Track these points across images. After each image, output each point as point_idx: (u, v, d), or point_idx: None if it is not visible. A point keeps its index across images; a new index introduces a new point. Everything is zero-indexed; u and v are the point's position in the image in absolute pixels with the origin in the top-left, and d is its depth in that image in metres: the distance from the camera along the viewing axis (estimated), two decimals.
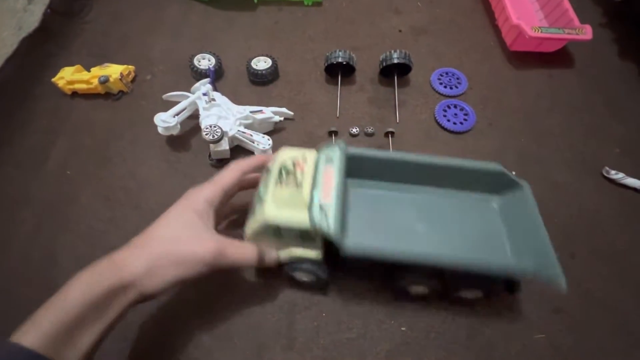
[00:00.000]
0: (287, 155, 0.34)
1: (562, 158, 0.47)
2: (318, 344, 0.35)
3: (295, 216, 0.30)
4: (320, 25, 0.62)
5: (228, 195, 0.34)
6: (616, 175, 0.44)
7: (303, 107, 0.52)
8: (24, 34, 0.55)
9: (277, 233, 0.32)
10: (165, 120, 0.44)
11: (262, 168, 0.36)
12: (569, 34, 0.52)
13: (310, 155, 0.34)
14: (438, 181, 0.37)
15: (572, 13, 0.55)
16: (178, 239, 0.29)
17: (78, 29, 0.60)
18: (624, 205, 0.43)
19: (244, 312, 0.37)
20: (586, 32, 0.52)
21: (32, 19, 0.57)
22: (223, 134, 0.42)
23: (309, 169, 0.33)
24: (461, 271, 0.31)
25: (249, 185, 0.37)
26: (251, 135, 0.44)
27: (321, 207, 0.30)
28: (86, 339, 0.25)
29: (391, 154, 0.38)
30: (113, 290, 0.26)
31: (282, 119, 0.48)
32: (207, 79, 0.49)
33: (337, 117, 0.51)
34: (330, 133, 0.48)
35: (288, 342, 0.35)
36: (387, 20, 0.63)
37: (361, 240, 0.31)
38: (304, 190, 0.31)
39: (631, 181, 0.44)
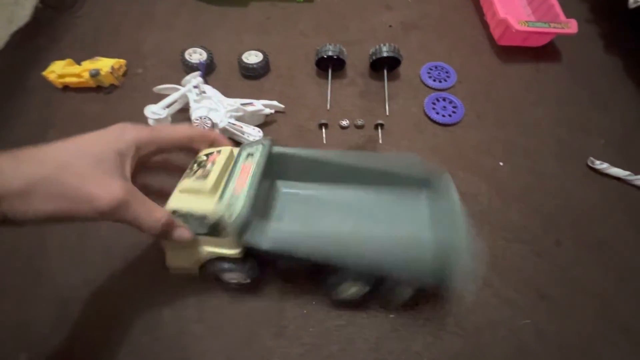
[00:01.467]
0: (206, 150, 0.34)
1: (548, 149, 0.48)
2: (307, 332, 0.36)
3: (198, 205, 0.29)
4: (311, 21, 0.63)
5: (160, 149, 0.30)
6: (601, 165, 0.45)
7: (294, 101, 0.52)
8: (14, 27, 0.55)
9: (187, 222, 0.30)
10: (156, 112, 0.44)
11: (212, 143, 0.34)
12: (554, 27, 0.53)
13: (225, 149, 0.33)
14: (367, 179, 0.35)
15: (558, 8, 0.56)
16: (78, 170, 0.24)
17: (69, 22, 0.60)
18: (609, 194, 0.44)
19: (235, 300, 0.37)
20: (571, 26, 0.53)
21: (24, 13, 0.57)
22: (213, 125, 0.42)
23: (220, 160, 0.31)
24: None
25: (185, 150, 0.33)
26: (241, 127, 0.45)
27: (230, 199, 0.29)
28: None
29: (315, 152, 0.34)
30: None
31: (272, 111, 0.49)
32: (198, 72, 0.49)
33: (328, 110, 0.51)
34: (321, 125, 0.49)
35: (278, 329, 0.36)
36: (378, 15, 0.64)
37: (276, 237, 0.29)
38: (209, 180, 0.30)
39: (615, 171, 0.45)
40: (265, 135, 0.47)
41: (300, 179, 0.36)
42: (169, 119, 0.46)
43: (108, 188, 0.24)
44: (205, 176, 0.30)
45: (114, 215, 0.24)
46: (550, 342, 0.35)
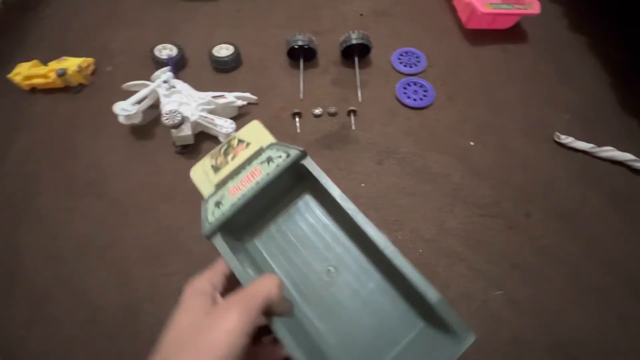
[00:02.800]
0: (246, 133, 0.32)
1: (517, 126, 0.49)
2: None
3: (203, 187, 0.30)
4: (283, 12, 0.63)
5: (231, 282, 0.29)
6: (566, 139, 0.46)
7: (267, 92, 0.52)
8: None
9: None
10: (125, 109, 0.44)
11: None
12: (518, 9, 0.54)
13: (254, 145, 0.31)
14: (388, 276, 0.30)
15: None
16: (202, 331, 0.23)
17: (35, 23, 0.59)
18: (574, 166, 0.45)
19: None
20: (535, 7, 0.55)
21: None
22: (183, 119, 0.42)
23: (242, 156, 0.30)
24: None
25: None
26: (213, 119, 0.45)
27: (221, 198, 0.29)
28: None
29: (339, 199, 0.29)
30: None
31: (245, 103, 0.49)
32: (167, 67, 0.49)
33: (301, 100, 0.52)
34: (294, 115, 0.49)
35: None
36: (348, 4, 0.64)
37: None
38: (218, 175, 0.30)
39: (580, 144, 0.46)
40: (237, 127, 0.47)
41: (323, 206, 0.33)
42: (140, 115, 0.46)
43: (225, 319, 0.23)
44: (219, 168, 0.30)
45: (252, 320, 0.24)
46: (522, 309, 0.36)
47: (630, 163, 0.44)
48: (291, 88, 0.53)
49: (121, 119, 0.45)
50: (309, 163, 0.29)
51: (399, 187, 0.44)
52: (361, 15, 0.62)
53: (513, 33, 0.59)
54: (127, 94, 0.47)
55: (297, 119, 0.49)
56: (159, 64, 0.52)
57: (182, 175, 0.45)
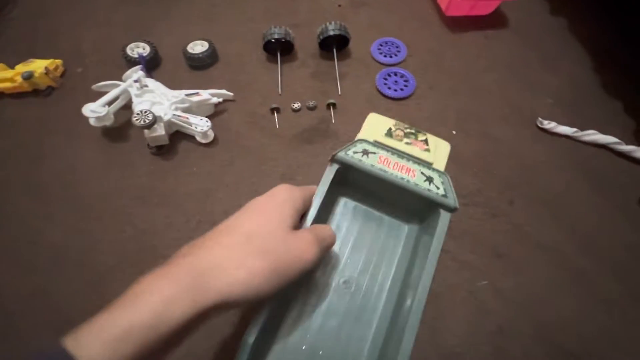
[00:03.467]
0: (434, 141, 0.34)
1: (500, 113, 0.48)
2: None
3: (365, 129, 0.34)
4: (259, 6, 0.61)
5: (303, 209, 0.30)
6: (549, 124, 0.46)
7: (245, 88, 0.51)
8: None
9: None
10: (95, 110, 0.42)
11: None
12: None
13: (433, 158, 0.33)
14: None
15: None
16: (280, 238, 0.24)
17: (1, 25, 0.56)
18: (557, 151, 0.45)
19: None
20: None
21: None
22: (155, 118, 0.41)
23: (412, 150, 0.32)
24: None
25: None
26: (187, 118, 0.43)
27: (366, 151, 0.31)
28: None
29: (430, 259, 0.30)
30: (208, 309, 0.21)
31: (221, 100, 0.48)
32: (139, 66, 0.47)
33: (280, 95, 0.50)
34: (272, 110, 0.48)
35: None
36: None
37: None
38: (387, 139, 0.33)
39: (562, 129, 0.45)
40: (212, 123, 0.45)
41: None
42: (112, 116, 0.44)
43: (308, 249, 0.25)
44: (391, 136, 0.33)
45: (321, 257, 0.26)
46: (507, 298, 0.36)
47: (613, 146, 0.44)
48: (269, 83, 0.51)
49: (92, 122, 0.43)
50: (444, 220, 0.30)
51: None
52: (339, 6, 0.61)
53: (494, 19, 0.58)
54: (99, 96, 0.45)
55: (275, 115, 0.48)
56: (132, 63, 0.50)
57: (158, 177, 0.44)
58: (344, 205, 0.35)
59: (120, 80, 0.46)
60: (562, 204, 0.41)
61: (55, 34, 0.56)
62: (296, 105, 0.48)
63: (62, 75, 0.51)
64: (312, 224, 0.28)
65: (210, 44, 0.53)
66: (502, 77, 0.52)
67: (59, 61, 0.50)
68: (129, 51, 0.51)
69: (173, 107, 0.44)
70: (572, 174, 0.43)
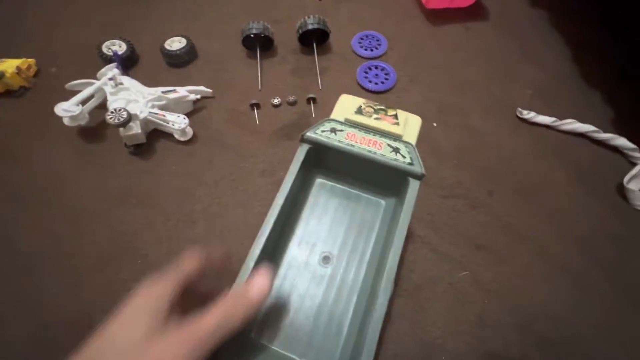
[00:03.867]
0: (405, 116, 0.33)
1: (480, 105, 0.48)
2: None
3: (336, 110, 0.34)
4: (239, 2, 0.61)
5: (191, 283, 0.25)
6: (528, 114, 0.46)
7: (224, 84, 0.50)
8: None
9: None
10: (68, 110, 0.41)
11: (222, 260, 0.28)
12: None
13: (403, 131, 0.32)
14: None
15: None
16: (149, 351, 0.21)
17: None
18: (537, 141, 0.45)
19: None
20: None
21: None
22: (130, 116, 0.40)
23: (381, 125, 0.32)
24: None
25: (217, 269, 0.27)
26: (164, 115, 0.43)
27: (334, 129, 0.32)
28: None
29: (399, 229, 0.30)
30: None
31: (199, 97, 0.47)
32: (113, 64, 0.46)
33: (260, 90, 0.50)
34: (252, 106, 0.47)
35: None
36: None
37: None
38: (357, 117, 0.33)
39: (542, 118, 0.46)
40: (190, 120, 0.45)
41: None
42: (86, 115, 0.43)
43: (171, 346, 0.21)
44: (361, 113, 0.33)
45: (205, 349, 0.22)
46: (487, 289, 0.36)
47: (591, 134, 0.44)
48: (249, 79, 0.51)
49: (66, 121, 0.42)
50: (413, 189, 0.30)
51: None
52: (320, 0, 0.60)
53: (474, 11, 0.58)
54: (73, 95, 0.45)
55: (255, 111, 0.47)
56: (108, 61, 0.50)
57: (136, 177, 0.43)
58: (321, 186, 0.36)
59: (96, 79, 0.46)
60: (541, 194, 0.42)
61: (27, 33, 0.55)
62: (276, 101, 0.48)
63: (36, 75, 0.50)
64: (279, 210, 0.29)
65: (189, 41, 0.52)
66: (483, 68, 0.52)
67: (31, 60, 0.49)
68: (104, 49, 0.50)
69: (149, 104, 0.43)
70: (551, 163, 0.44)
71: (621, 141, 0.43)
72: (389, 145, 0.31)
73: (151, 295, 0.23)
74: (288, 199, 0.30)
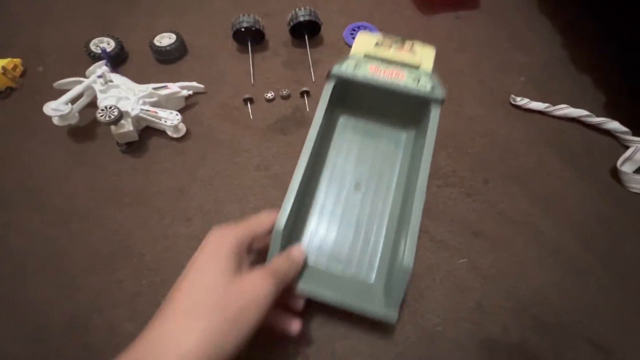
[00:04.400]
0: (420, 47, 0.37)
1: (472, 93, 0.48)
2: None
3: (355, 47, 0.37)
4: None
5: (258, 241, 0.29)
6: (521, 101, 0.46)
7: (216, 80, 0.50)
8: None
9: None
10: (57, 109, 0.40)
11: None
12: None
13: (421, 61, 0.36)
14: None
15: None
16: (224, 285, 0.23)
17: None
18: (531, 127, 0.45)
19: None
20: None
21: None
22: (121, 114, 0.39)
23: (401, 57, 0.36)
24: None
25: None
26: (156, 112, 0.42)
27: (357, 65, 0.35)
28: None
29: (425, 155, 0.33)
30: None
31: (191, 93, 0.46)
32: (102, 61, 0.45)
33: (252, 85, 0.49)
34: (245, 101, 0.47)
35: None
36: None
37: None
38: (376, 50, 0.36)
39: (535, 105, 0.46)
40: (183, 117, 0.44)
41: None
42: (76, 114, 0.43)
43: (259, 286, 0.24)
44: (380, 46, 0.36)
45: (278, 292, 0.25)
46: (486, 275, 0.36)
47: (584, 119, 0.45)
48: (241, 74, 0.50)
49: (56, 121, 0.42)
50: (435, 114, 0.33)
51: None
52: None
53: (465, 0, 0.58)
54: (62, 94, 0.44)
55: (249, 105, 0.47)
56: (96, 59, 0.49)
57: (129, 175, 0.43)
58: (344, 125, 0.39)
59: (85, 77, 0.45)
60: (536, 180, 0.42)
61: (12, 32, 0.54)
62: (269, 95, 0.47)
63: (22, 75, 0.49)
64: (311, 148, 0.31)
65: (178, 36, 0.51)
66: (474, 57, 0.52)
67: (17, 60, 0.48)
68: (92, 47, 0.49)
69: (141, 101, 0.42)
70: (545, 149, 0.44)
71: (613, 125, 0.43)
72: (410, 75, 0.34)
73: (225, 238, 0.26)
74: (318, 138, 0.32)
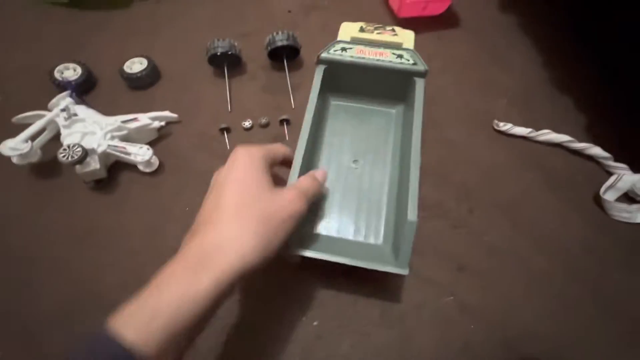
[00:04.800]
0: (400, 31, 0.41)
1: (456, 117, 0.48)
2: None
3: (341, 33, 0.41)
4: (204, 15, 0.58)
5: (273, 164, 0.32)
6: (505, 126, 0.46)
7: (191, 107, 0.47)
8: None
9: None
10: (15, 148, 0.37)
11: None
12: None
13: (402, 40, 0.40)
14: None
15: None
16: (265, 198, 0.26)
17: None
18: (514, 153, 0.45)
19: None
20: None
21: None
22: (86, 152, 0.37)
23: (384, 37, 0.39)
24: None
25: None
26: (125, 148, 0.39)
27: (344, 48, 0.39)
28: (186, 343, 0.23)
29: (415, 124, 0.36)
30: (225, 285, 0.22)
31: (163, 123, 0.44)
32: (66, 92, 0.43)
33: (230, 112, 0.47)
34: (222, 130, 0.45)
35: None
36: (275, 1, 0.60)
37: None
38: (361, 34, 0.40)
39: (518, 130, 0.45)
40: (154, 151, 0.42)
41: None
42: (38, 152, 0.40)
43: (286, 196, 0.27)
44: (364, 30, 0.40)
45: (305, 209, 0.28)
46: (474, 312, 0.35)
47: (567, 144, 0.44)
48: (218, 100, 0.48)
49: (15, 160, 0.39)
50: (420, 86, 0.37)
51: None
52: (289, 12, 0.58)
53: (446, 19, 0.57)
54: (23, 128, 0.41)
55: (225, 135, 0.45)
56: (62, 87, 0.46)
57: (98, 214, 0.40)
58: (336, 108, 0.42)
59: (48, 109, 0.42)
60: (520, 208, 0.41)
61: None
62: (247, 124, 0.45)
63: None
64: (309, 131, 0.34)
65: (150, 61, 0.49)
66: (457, 78, 0.51)
67: None
68: (57, 74, 0.46)
69: (108, 136, 0.40)
70: (529, 175, 0.43)
71: (596, 150, 0.43)
72: (393, 53, 0.38)
73: (254, 155, 0.28)
74: (314, 122, 0.35)
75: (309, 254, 0.30)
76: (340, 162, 0.39)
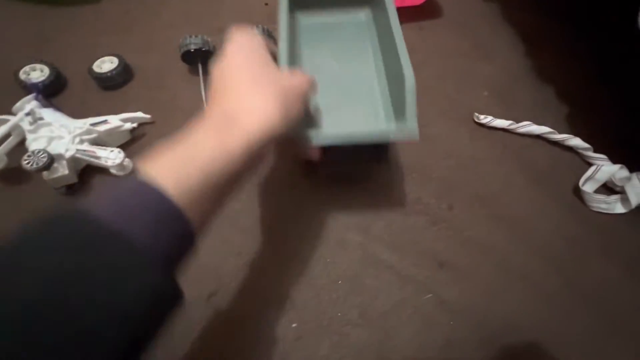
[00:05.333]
0: None
1: (437, 109, 0.47)
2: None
3: None
4: (178, 8, 0.56)
5: None
6: (485, 119, 0.45)
7: (166, 106, 0.46)
8: None
9: None
10: None
11: None
12: None
13: None
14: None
15: None
16: (278, 75, 0.26)
17: None
18: (495, 146, 0.44)
19: None
20: None
21: None
22: (52, 158, 0.35)
23: None
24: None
25: None
26: (95, 152, 0.38)
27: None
28: (215, 207, 0.23)
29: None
30: (255, 144, 0.22)
31: (136, 125, 0.43)
32: (32, 95, 0.41)
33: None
34: None
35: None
36: None
37: None
38: None
39: (499, 122, 0.45)
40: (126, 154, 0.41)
41: None
42: (4, 157, 0.38)
43: (303, 80, 0.28)
44: None
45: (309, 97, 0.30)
46: (453, 309, 0.35)
47: (547, 136, 0.44)
48: (193, 98, 0.47)
49: None
50: None
51: None
52: (266, 4, 0.56)
53: (427, 9, 0.56)
54: None
55: None
56: (29, 89, 0.44)
57: None
58: (306, 25, 0.42)
59: (12, 113, 0.40)
60: (501, 201, 0.41)
61: None
62: None
63: None
64: (287, 49, 0.33)
65: (121, 60, 0.47)
66: (438, 69, 0.50)
67: None
68: (22, 76, 0.45)
69: (77, 140, 0.39)
70: (509, 168, 0.43)
71: (576, 141, 0.42)
72: None
73: (252, 33, 0.28)
74: (289, 38, 0.34)
75: (323, 141, 0.31)
76: (324, 70, 0.39)
